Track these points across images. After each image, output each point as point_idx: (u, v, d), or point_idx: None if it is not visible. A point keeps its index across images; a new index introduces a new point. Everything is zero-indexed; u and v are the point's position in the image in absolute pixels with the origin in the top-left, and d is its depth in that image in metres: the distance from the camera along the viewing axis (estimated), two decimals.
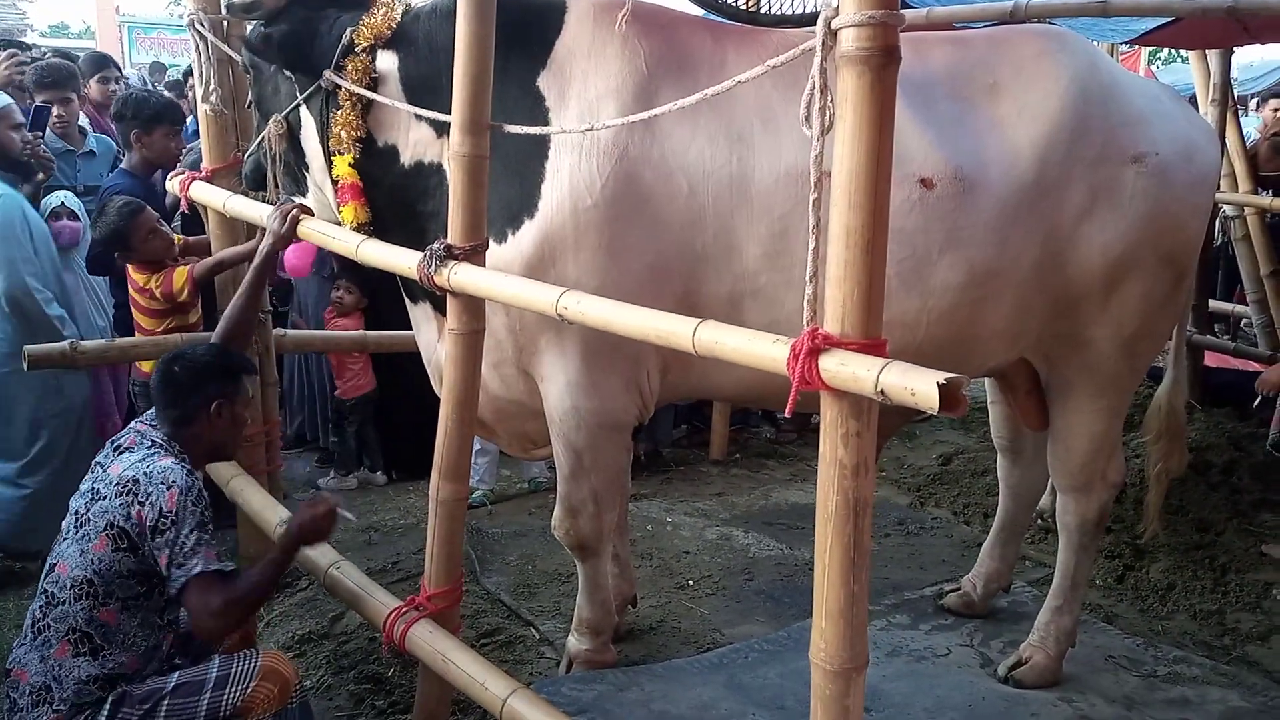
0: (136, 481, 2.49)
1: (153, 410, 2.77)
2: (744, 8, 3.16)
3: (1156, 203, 2.94)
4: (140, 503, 2.46)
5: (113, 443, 2.73)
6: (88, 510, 2.55)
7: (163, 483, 2.48)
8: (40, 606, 2.54)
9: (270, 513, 3.57)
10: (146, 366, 4.11)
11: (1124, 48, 7.89)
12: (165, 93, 5.83)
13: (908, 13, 4.16)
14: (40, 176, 4.46)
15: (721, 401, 5.46)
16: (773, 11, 3.11)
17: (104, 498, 2.52)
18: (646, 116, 2.35)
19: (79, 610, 2.48)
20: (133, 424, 2.77)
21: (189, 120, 5.42)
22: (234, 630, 2.65)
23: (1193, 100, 5.47)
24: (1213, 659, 3.58)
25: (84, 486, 2.64)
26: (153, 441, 2.65)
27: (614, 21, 2.82)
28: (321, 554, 3.25)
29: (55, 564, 2.56)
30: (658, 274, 2.80)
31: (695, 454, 5.85)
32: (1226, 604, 4.04)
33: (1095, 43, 4.43)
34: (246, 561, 4.02)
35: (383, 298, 5.11)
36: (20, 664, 2.52)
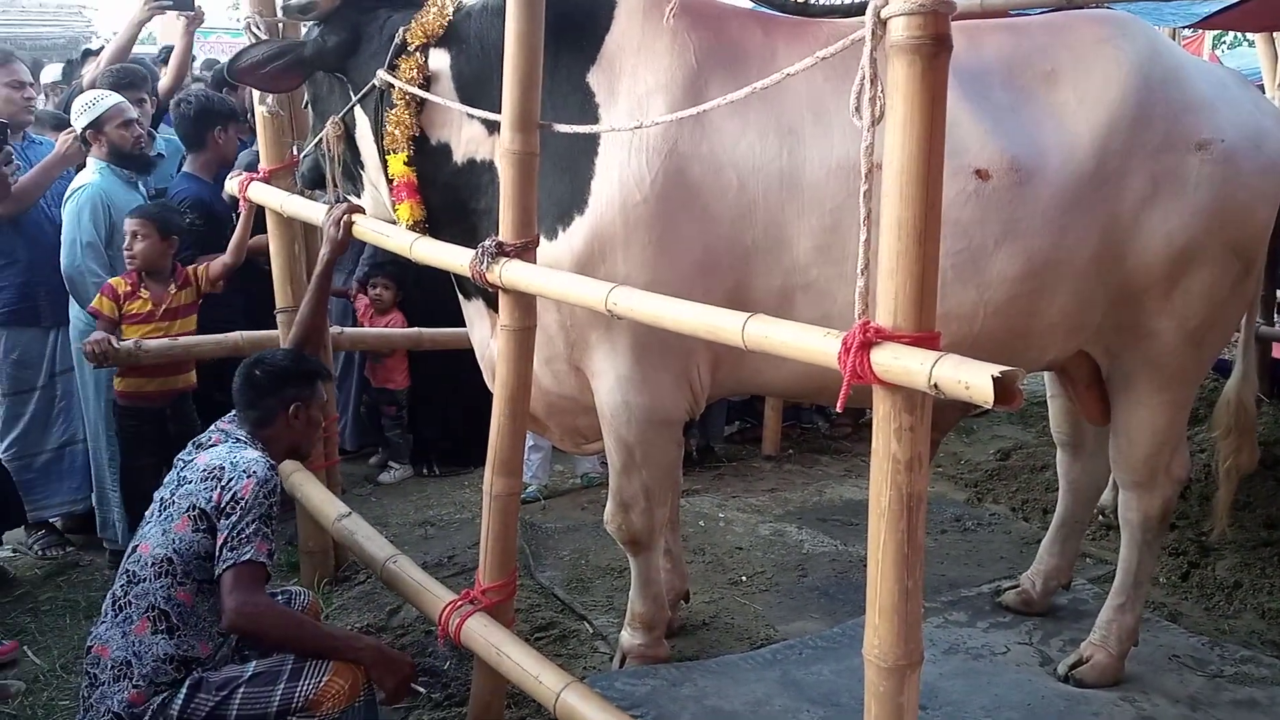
0: (222, 468, 2.63)
1: (233, 412, 2.90)
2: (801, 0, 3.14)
3: (1222, 191, 2.86)
4: (223, 486, 2.59)
5: (195, 442, 2.85)
6: (172, 496, 2.67)
7: (245, 471, 2.61)
8: (122, 585, 2.64)
9: (329, 507, 3.63)
10: (120, 385, 4.20)
11: (1186, 32, 7.69)
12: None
13: (960, 0, 4.09)
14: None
15: (773, 397, 5.43)
16: (822, 2, 3.08)
17: (189, 482, 2.65)
18: (696, 112, 2.33)
19: (158, 588, 2.58)
20: (215, 424, 2.89)
21: None
22: (239, 634, 2.66)
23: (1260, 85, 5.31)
24: None
25: (169, 479, 2.76)
26: (237, 438, 2.79)
27: (663, 16, 2.81)
28: (379, 548, 3.30)
29: (138, 545, 2.67)
30: (708, 269, 2.79)
31: (748, 449, 5.83)
32: None
33: (1157, 27, 4.32)
34: (307, 557, 4.10)
35: (419, 291, 5.18)
36: (102, 640, 2.61)
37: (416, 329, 4.68)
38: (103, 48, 6.51)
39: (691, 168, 2.77)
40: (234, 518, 2.56)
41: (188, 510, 2.60)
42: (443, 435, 5.55)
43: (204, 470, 2.64)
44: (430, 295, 5.10)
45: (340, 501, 3.71)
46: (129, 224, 4.16)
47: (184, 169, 4.82)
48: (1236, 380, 3.59)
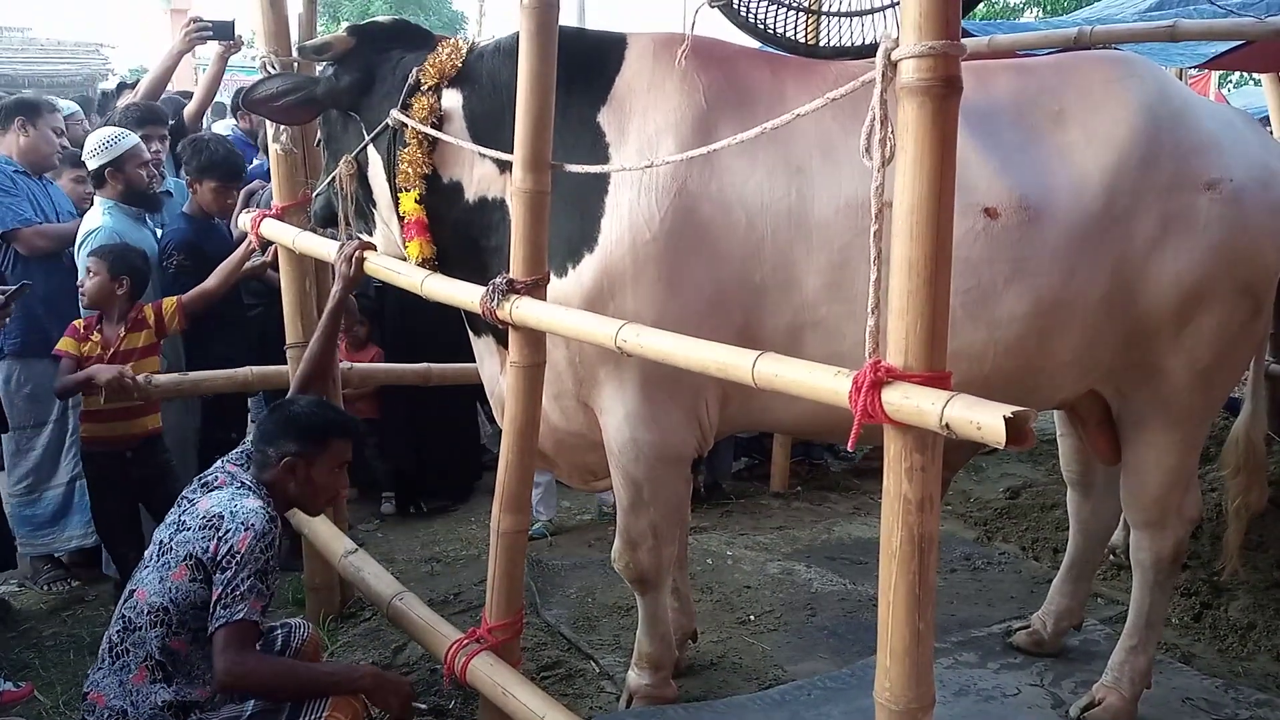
0: (221, 517, 2.59)
1: (240, 449, 2.88)
2: (803, 40, 3.16)
3: (1232, 230, 2.86)
4: (220, 538, 2.55)
5: (201, 480, 2.82)
6: (171, 540, 2.64)
7: (243, 523, 2.57)
8: (118, 631, 2.62)
9: (336, 543, 3.63)
10: (82, 429, 4.15)
11: (1192, 71, 7.75)
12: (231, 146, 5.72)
13: (970, 40, 4.13)
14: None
15: (782, 434, 5.42)
16: (832, 44, 3.11)
17: (188, 529, 2.61)
18: (705, 151, 2.35)
19: (153, 637, 2.56)
20: (222, 464, 2.85)
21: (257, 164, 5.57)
22: (232, 692, 2.62)
23: (1266, 124, 5.34)
24: None
25: (170, 519, 2.73)
26: (242, 483, 2.75)
27: (673, 57, 2.84)
28: (385, 585, 3.29)
29: (134, 590, 2.64)
30: (717, 306, 2.80)
31: (756, 486, 5.81)
32: None
33: (1165, 67, 4.35)
34: (313, 593, 4.09)
35: (398, 324, 5.17)
36: (98, 687, 2.59)
37: (425, 364, 4.68)
38: (137, 82, 6.57)
39: (701, 206, 2.78)
40: (229, 573, 2.52)
41: (185, 559, 2.57)
42: (417, 470, 5.52)
43: (203, 517, 2.61)
44: (410, 329, 5.12)
45: (347, 537, 3.70)
46: (87, 260, 4.14)
47: (184, 208, 4.85)
48: (1246, 419, 3.57)
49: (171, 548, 2.62)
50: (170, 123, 5.32)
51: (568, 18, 2.64)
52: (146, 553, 2.72)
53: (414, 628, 3.07)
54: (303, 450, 2.79)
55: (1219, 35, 4.02)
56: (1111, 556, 4.45)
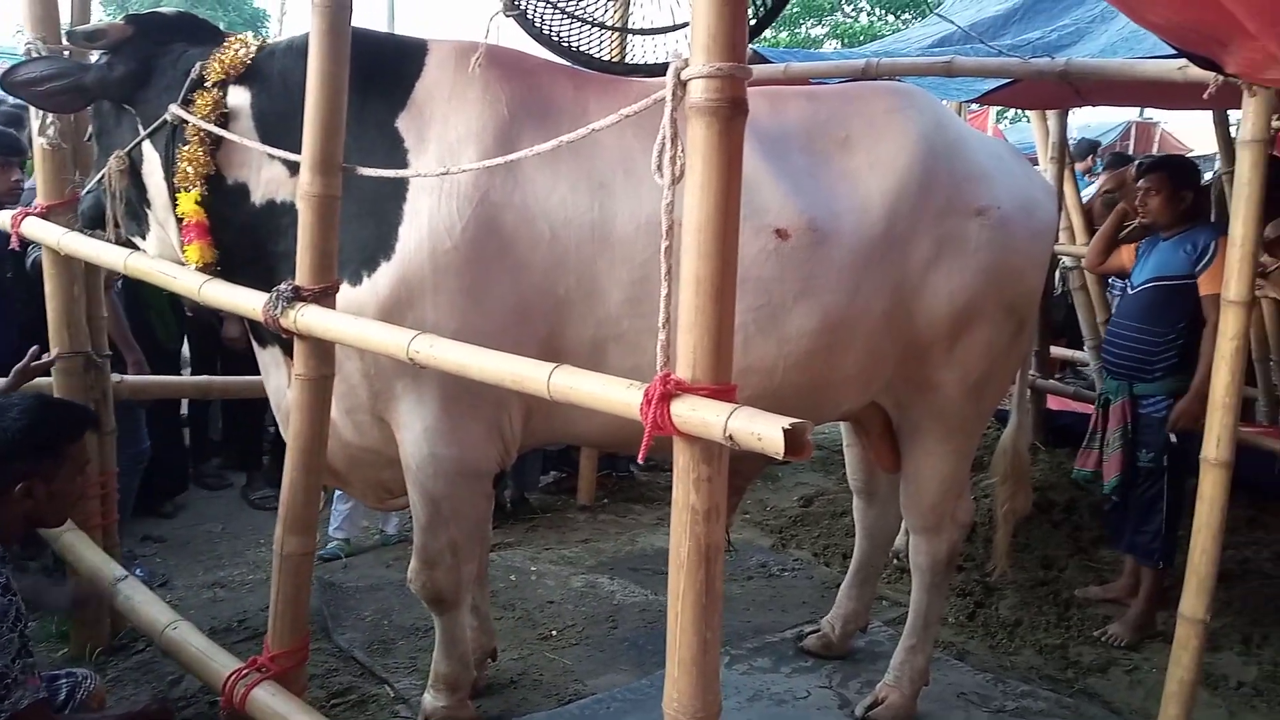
0: None
1: None
2: (597, 55, 3.19)
3: (999, 254, 3.08)
4: None
5: None
6: None
7: None
8: None
9: (105, 569, 3.35)
10: None
11: (973, 106, 8.34)
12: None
13: (766, 67, 4.29)
14: None
15: (586, 446, 5.43)
16: (633, 61, 3.15)
17: None
18: (506, 160, 2.33)
19: None
20: None
21: None
22: None
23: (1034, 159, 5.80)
24: (1056, 693, 3.72)
25: None
26: None
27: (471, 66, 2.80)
28: (158, 613, 3.07)
29: None
30: (520, 318, 2.77)
31: (563, 500, 5.79)
32: (1069, 638, 4.22)
33: (943, 100, 4.65)
34: (79, 625, 3.76)
35: None
36: None
37: (206, 377, 4.41)
38: None
39: (504, 217, 2.75)
40: None
41: None
42: None
43: None
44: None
45: (116, 564, 3.42)
46: None
47: None
48: (1012, 429, 3.85)
49: None
50: None
51: (378, 24, 2.56)
52: None
53: (188, 658, 2.87)
54: (37, 469, 2.37)
55: (990, 72, 4.32)
56: (895, 560, 4.69)
